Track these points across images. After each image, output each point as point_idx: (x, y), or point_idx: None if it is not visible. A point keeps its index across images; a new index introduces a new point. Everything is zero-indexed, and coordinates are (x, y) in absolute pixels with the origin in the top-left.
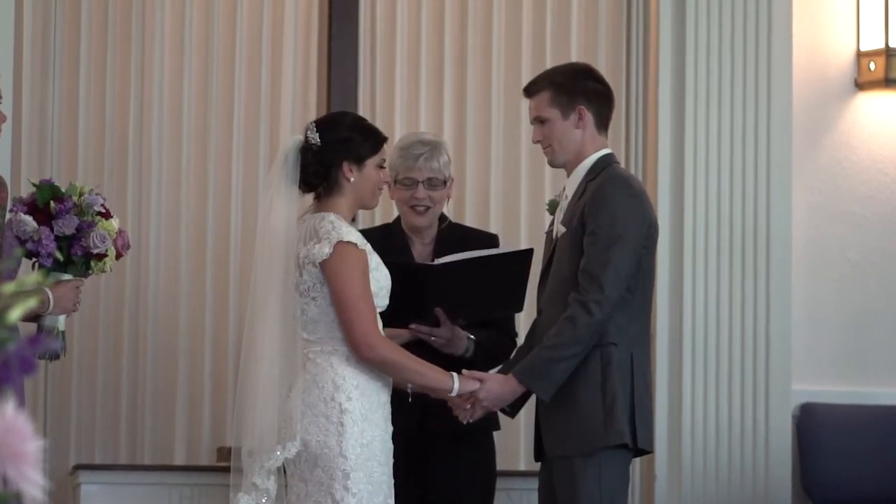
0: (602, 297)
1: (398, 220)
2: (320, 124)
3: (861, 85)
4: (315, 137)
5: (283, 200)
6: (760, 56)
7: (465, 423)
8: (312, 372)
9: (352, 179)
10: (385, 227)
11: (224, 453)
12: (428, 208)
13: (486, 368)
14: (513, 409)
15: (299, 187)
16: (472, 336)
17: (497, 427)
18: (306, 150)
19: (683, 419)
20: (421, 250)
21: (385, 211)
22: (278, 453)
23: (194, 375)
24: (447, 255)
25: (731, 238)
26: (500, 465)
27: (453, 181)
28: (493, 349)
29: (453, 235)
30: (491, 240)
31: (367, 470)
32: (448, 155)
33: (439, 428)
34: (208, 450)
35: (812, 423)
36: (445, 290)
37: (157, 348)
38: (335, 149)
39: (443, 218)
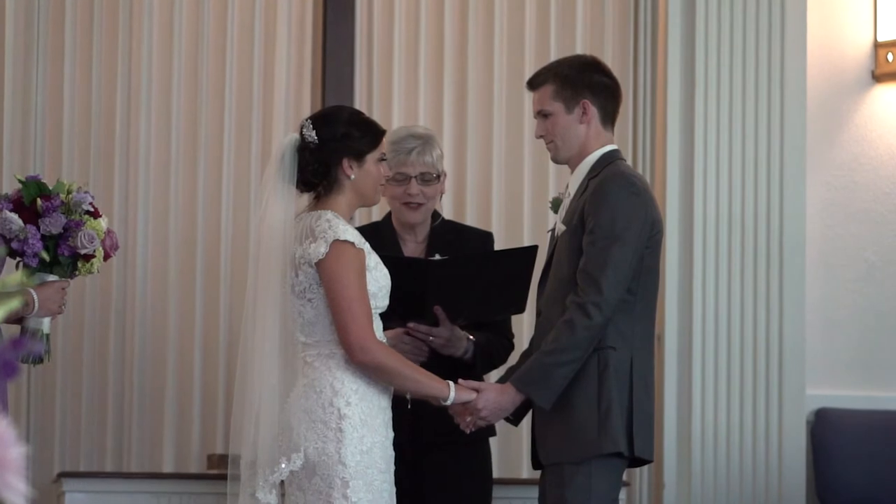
0: (601, 300)
1: (388, 217)
2: (316, 120)
3: (878, 77)
4: (312, 135)
5: (280, 201)
6: (774, 47)
7: (467, 432)
8: (310, 376)
9: (352, 176)
10: (375, 224)
11: (214, 460)
12: (421, 204)
13: (483, 371)
14: (516, 418)
15: (297, 187)
16: (471, 337)
17: (493, 433)
18: (303, 148)
19: (693, 425)
20: (413, 248)
21: (380, 208)
22: (283, 466)
23: (184, 380)
24: (441, 253)
25: (742, 237)
26: (502, 473)
27: (446, 176)
28: (491, 351)
29: (447, 233)
30: (486, 237)
31: (366, 478)
32: (440, 149)
33: (433, 436)
34: (198, 457)
35: (827, 429)
36: (445, 287)
37: (145, 352)
38: (334, 146)
39: (435, 215)
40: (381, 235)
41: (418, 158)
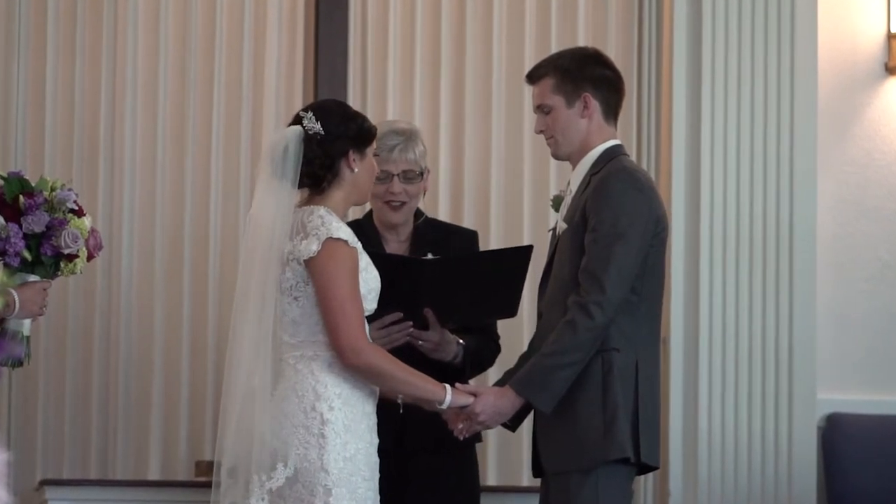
0: (603, 299)
1: (370, 215)
2: (317, 111)
3: (892, 69)
4: (317, 126)
5: (281, 195)
6: (783, 38)
7: (461, 438)
8: (292, 379)
9: (356, 170)
10: (356, 223)
11: (203, 467)
12: (404, 203)
13: (471, 376)
14: (514, 423)
15: (301, 181)
16: (461, 341)
17: (479, 440)
18: (309, 140)
19: (699, 431)
20: (396, 248)
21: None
22: (280, 471)
23: (171, 384)
24: (425, 252)
25: (751, 236)
26: (501, 480)
27: (429, 173)
28: (480, 355)
29: (430, 232)
30: (472, 236)
31: (350, 485)
32: (423, 145)
33: (419, 442)
34: (186, 464)
35: (839, 434)
36: (436, 288)
37: (131, 354)
38: (340, 138)
39: (418, 213)
40: (362, 234)
41: (401, 156)
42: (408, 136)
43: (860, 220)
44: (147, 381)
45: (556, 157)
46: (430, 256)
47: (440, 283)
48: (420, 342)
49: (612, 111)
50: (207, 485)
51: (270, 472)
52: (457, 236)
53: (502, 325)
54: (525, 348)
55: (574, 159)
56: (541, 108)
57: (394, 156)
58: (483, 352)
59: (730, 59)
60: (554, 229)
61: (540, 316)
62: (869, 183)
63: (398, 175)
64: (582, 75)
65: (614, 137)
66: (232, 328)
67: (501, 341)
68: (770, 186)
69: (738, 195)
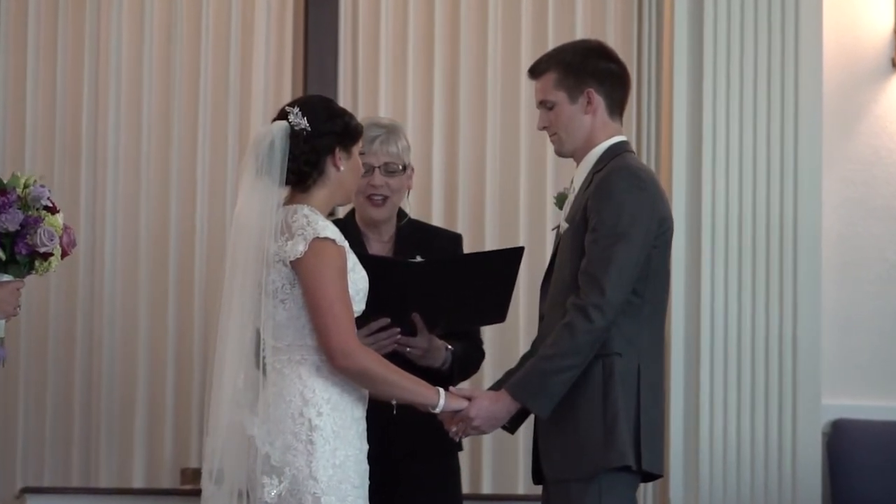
0: (603, 302)
1: (352, 213)
2: (303, 107)
3: None
4: (304, 122)
5: (266, 193)
6: (787, 33)
7: (456, 440)
8: (278, 384)
9: (342, 168)
10: (337, 222)
11: (188, 475)
12: (386, 198)
13: (458, 382)
14: (512, 425)
15: (287, 178)
16: (449, 347)
17: (460, 448)
18: (296, 135)
19: (701, 437)
20: (378, 249)
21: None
22: (287, 472)
23: (155, 388)
24: (407, 254)
25: (754, 236)
26: (497, 488)
27: (413, 171)
28: (467, 361)
29: (413, 234)
30: (456, 239)
31: (339, 493)
32: (407, 140)
33: (402, 450)
34: (171, 471)
35: (844, 441)
36: (424, 292)
37: (114, 357)
38: (327, 135)
39: (401, 214)
40: (345, 234)
41: (381, 148)
42: (389, 130)
43: (866, 220)
44: (131, 386)
45: (560, 154)
46: (418, 259)
47: (428, 287)
48: (408, 349)
49: (616, 106)
50: (193, 493)
51: (263, 481)
52: (440, 239)
53: (499, 329)
54: (522, 353)
55: (578, 156)
56: (543, 104)
57: (374, 147)
58: (469, 357)
59: (732, 54)
60: (557, 228)
61: (541, 318)
62: (875, 181)
63: (379, 167)
64: (585, 70)
65: (619, 133)
66: (218, 330)
67: (497, 345)
68: (774, 185)
69: (740, 194)
